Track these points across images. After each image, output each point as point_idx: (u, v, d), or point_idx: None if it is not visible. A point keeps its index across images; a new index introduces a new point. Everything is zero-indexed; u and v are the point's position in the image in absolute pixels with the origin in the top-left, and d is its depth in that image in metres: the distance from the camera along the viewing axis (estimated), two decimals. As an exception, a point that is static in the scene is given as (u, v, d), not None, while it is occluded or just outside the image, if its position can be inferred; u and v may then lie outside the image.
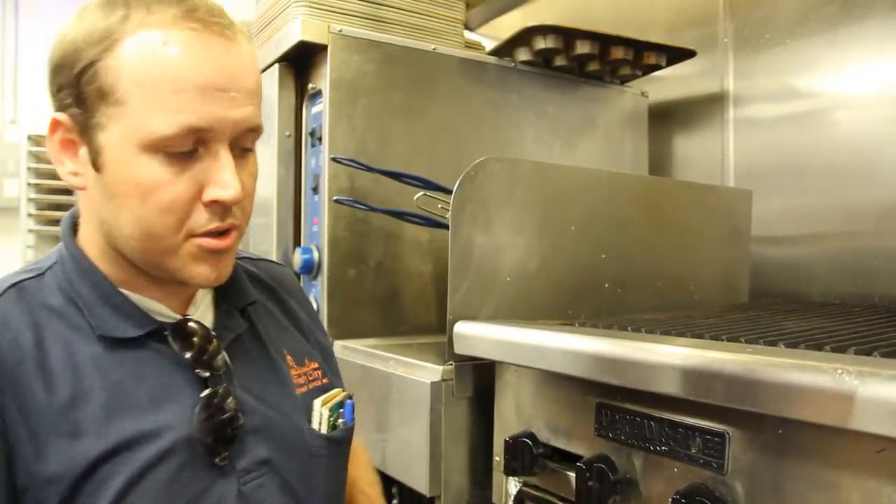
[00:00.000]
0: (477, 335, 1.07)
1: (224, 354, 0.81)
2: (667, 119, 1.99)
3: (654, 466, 0.82)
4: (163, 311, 0.81)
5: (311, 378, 0.92)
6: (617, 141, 1.90)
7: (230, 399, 0.79)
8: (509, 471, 1.00)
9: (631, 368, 0.79)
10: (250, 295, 0.91)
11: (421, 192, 1.37)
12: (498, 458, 1.06)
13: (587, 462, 0.87)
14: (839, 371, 0.59)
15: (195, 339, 0.80)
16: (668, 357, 0.75)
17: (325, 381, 0.94)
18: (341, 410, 0.91)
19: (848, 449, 0.63)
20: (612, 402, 0.87)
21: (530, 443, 0.97)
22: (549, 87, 1.78)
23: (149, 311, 0.80)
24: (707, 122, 1.89)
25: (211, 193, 0.74)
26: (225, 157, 0.74)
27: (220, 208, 0.75)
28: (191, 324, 0.81)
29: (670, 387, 0.75)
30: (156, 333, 0.79)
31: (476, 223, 1.15)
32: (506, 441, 1.00)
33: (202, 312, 0.86)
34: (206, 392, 0.78)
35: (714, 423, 0.75)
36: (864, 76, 1.54)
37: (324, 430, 0.88)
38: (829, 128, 1.59)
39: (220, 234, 0.76)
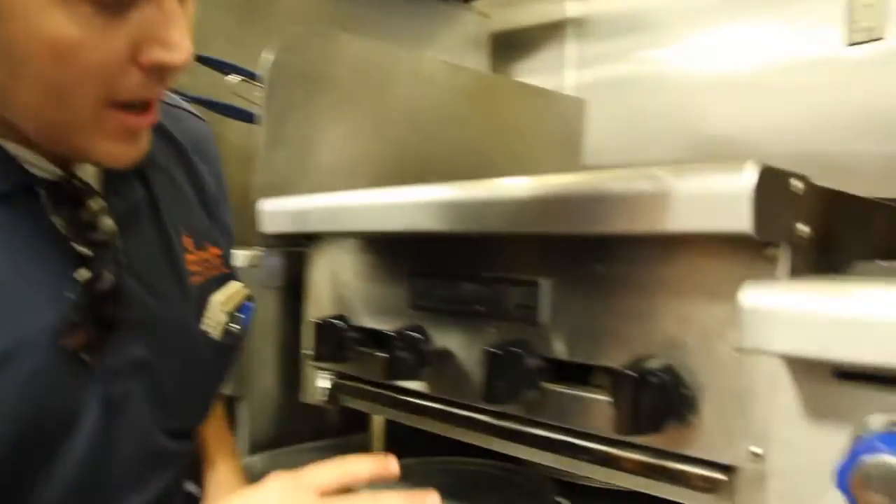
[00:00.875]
0: (282, 209, 0.97)
1: (113, 225, 0.64)
2: (508, 47, 1.94)
3: (470, 330, 0.75)
4: (40, 163, 0.62)
5: (210, 266, 0.78)
6: (457, 62, 1.83)
7: (112, 283, 0.63)
8: (319, 358, 0.90)
9: (445, 209, 0.72)
10: (153, 156, 0.72)
11: (238, 78, 1.23)
12: (308, 350, 0.96)
13: (398, 332, 0.78)
14: (655, 174, 0.54)
15: (78, 203, 0.62)
16: (479, 191, 0.68)
17: (225, 270, 0.80)
18: (239, 314, 0.79)
19: (661, 273, 0.59)
20: (424, 271, 0.80)
21: (343, 324, 0.88)
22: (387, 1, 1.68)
23: (21, 162, 0.61)
24: (547, 52, 1.85)
25: (153, 55, 0.56)
26: (171, 6, 0.56)
27: (160, 73, 0.58)
28: (74, 183, 0.63)
29: (482, 224, 0.68)
30: (27, 190, 0.61)
31: (291, 102, 1.04)
32: (315, 324, 0.90)
33: (91, 171, 0.67)
34: (87, 276, 0.61)
35: (525, 275, 0.69)
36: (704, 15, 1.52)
37: (216, 335, 0.76)
38: (668, 67, 1.57)
39: (142, 106, 0.60)
